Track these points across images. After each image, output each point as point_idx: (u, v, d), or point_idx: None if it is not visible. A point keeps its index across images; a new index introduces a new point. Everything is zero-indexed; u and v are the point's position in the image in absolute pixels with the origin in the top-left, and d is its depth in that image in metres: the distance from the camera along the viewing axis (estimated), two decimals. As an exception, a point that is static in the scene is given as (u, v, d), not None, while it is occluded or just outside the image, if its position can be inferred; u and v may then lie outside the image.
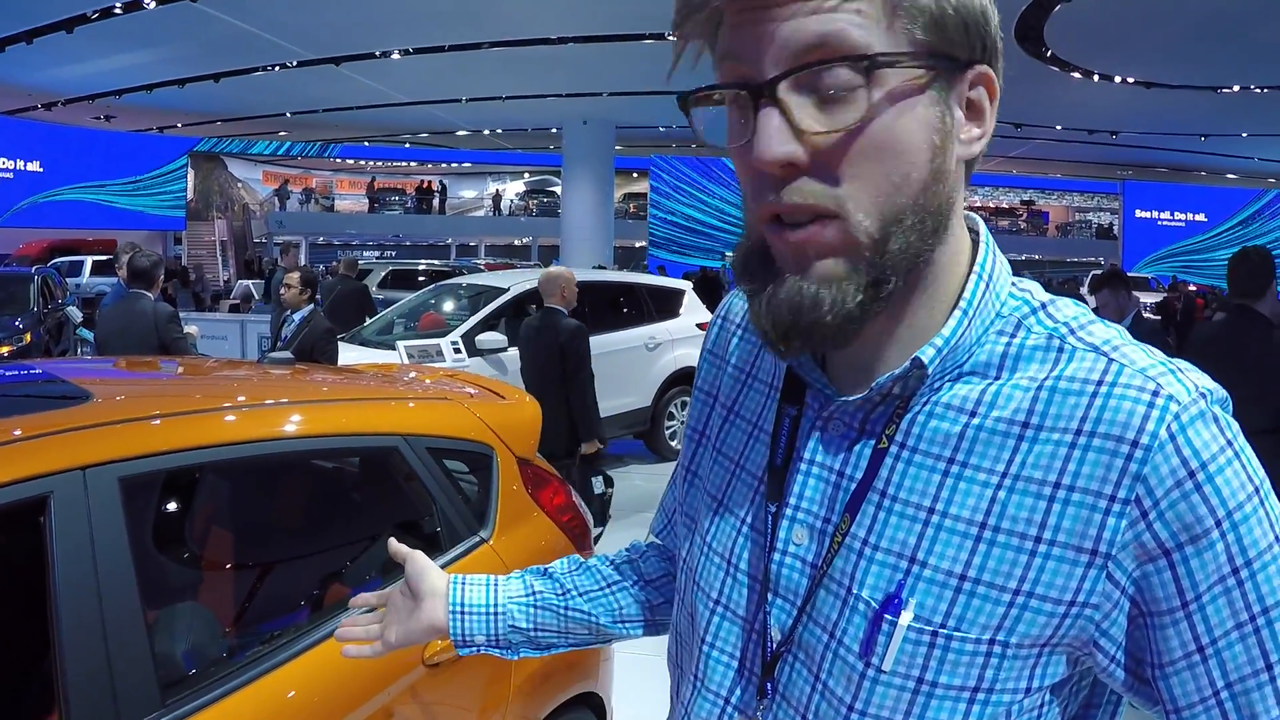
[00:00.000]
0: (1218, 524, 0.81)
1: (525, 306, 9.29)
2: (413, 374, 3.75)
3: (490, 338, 8.05)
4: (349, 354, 7.68)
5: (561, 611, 1.30)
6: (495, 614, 1.29)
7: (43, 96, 23.22)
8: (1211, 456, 0.82)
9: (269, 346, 8.91)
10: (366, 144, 35.69)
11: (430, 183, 37.98)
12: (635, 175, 36.08)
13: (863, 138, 0.81)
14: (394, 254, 37.35)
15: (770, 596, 0.97)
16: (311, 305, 7.22)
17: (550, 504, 2.99)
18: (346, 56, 18.77)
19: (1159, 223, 36.21)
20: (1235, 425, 0.86)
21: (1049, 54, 17.97)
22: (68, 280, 18.36)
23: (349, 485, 3.15)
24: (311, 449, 2.57)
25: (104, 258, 23.08)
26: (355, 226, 38.05)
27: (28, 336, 11.89)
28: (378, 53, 18.44)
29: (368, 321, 9.78)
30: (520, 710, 2.66)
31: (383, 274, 20.84)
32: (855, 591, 0.90)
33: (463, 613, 1.28)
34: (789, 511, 0.96)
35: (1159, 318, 17.91)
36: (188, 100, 22.87)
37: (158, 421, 2.18)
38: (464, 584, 1.31)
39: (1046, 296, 0.96)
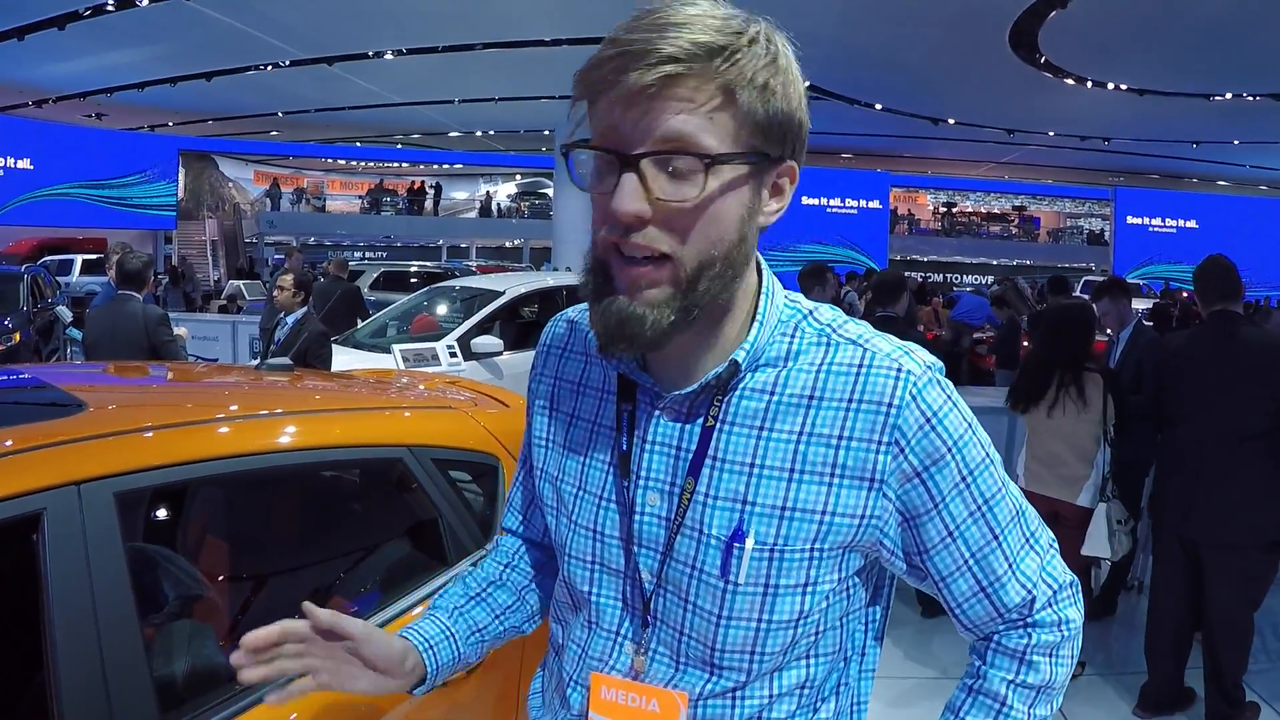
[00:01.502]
0: (948, 450, 1.22)
1: (520, 310, 9.25)
2: (405, 380, 3.68)
3: (486, 341, 7.99)
4: (342, 357, 7.61)
5: (500, 634, 1.53)
6: (452, 636, 1.46)
7: (34, 94, 23.09)
8: (939, 407, 1.21)
9: (260, 348, 8.83)
10: (359, 144, 35.58)
11: (422, 183, 37.88)
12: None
13: (696, 209, 1.12)
14: (384, 255, 37.23)
15: (637, 549, 1.29)
16: (306, 308, 7.13)
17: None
18: (339, 56, 18.71)
19: (1150, 229, 36.24)
20: (951, 385, 1.25)
21: (1043, 60, 17.99)
22: (58, 279, 18.22)
23: (351, 498, 3.07)
24: (313, 461, 2.48)
25: (94, 257, 22.97)
26: (346, 227, 37.92)
27: (17, 336, 11.75)
28: (370, 53, 18.39)
29: (360, 324, 9.70)
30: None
31: (375, 275, 20.72)
32: (706, 532, 1.23)
33: (431, 647, 1.42)
34: (641, 482, 1.28)
35: (1150, 324, 17.83)
36: (179, 99, 22.79)
37: (155, 434, 2.10)
38: (412, 629, 1.44)
39: (809, 305, 1.32)
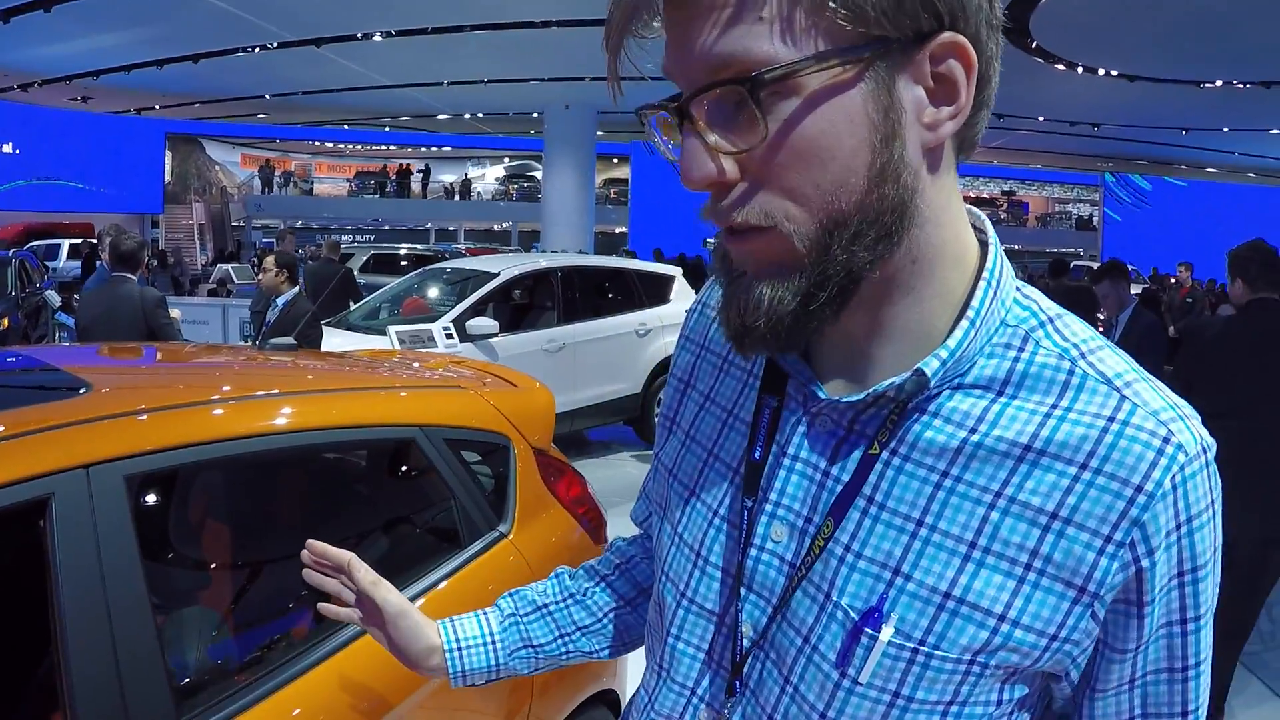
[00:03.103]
0: (1180, 575, 0.85)
1: (513, 293, 9.20)
2: (414, 361, 3.63)
3: (481, 323, 7.93)
4: (334, 339, 7.55)
5: (561, 656, 1.29)
6: (492, 644, 1.26)
7: (19, 77, 22.89)
8: (1199, 512, 0.84)
9: (251, 332, 8.76)
10: (346, 127, 35.41)
11: (409, 166, 37.76)
12: (616, 160, 35.99)
13: (779, 150, 0.78)
14: (372, 238, 37.11)
15: (744, 592, 0.95)
16: (296, 289, 7.09)
17: (566, 496, 2.87)
18: (327, 38, 18.56)
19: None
20: (1219, 483, 0.87)
21: (1034, 45, 17.95)
22: (45, 264, 18.11)
23: (364, 479, 3.02)
24: (327, 441, 2.42)
25: (80, 241, 22.87)
26: (334, 210, 37.81)
27: (5, 321, 11.69)
28: (359, 34, 18.24)
29: (353, 306, 9.65)
30: (541, 712, 2.56)
31: (365, 258, 20.66)
32: (835, 599, 0.89)
33: (459, 649, 1.24)
34: (769, 507, 0.94)
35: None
36: (166, 82, 22.59)
37: (165, 414, 2.04)
38: (452, 621, 1.27)
39: (1055, 309, 0.93)
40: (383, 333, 7.79)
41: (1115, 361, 0.88)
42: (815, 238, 0.80)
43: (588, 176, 24.57)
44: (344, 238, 33.65)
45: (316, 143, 37.69)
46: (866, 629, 0.86)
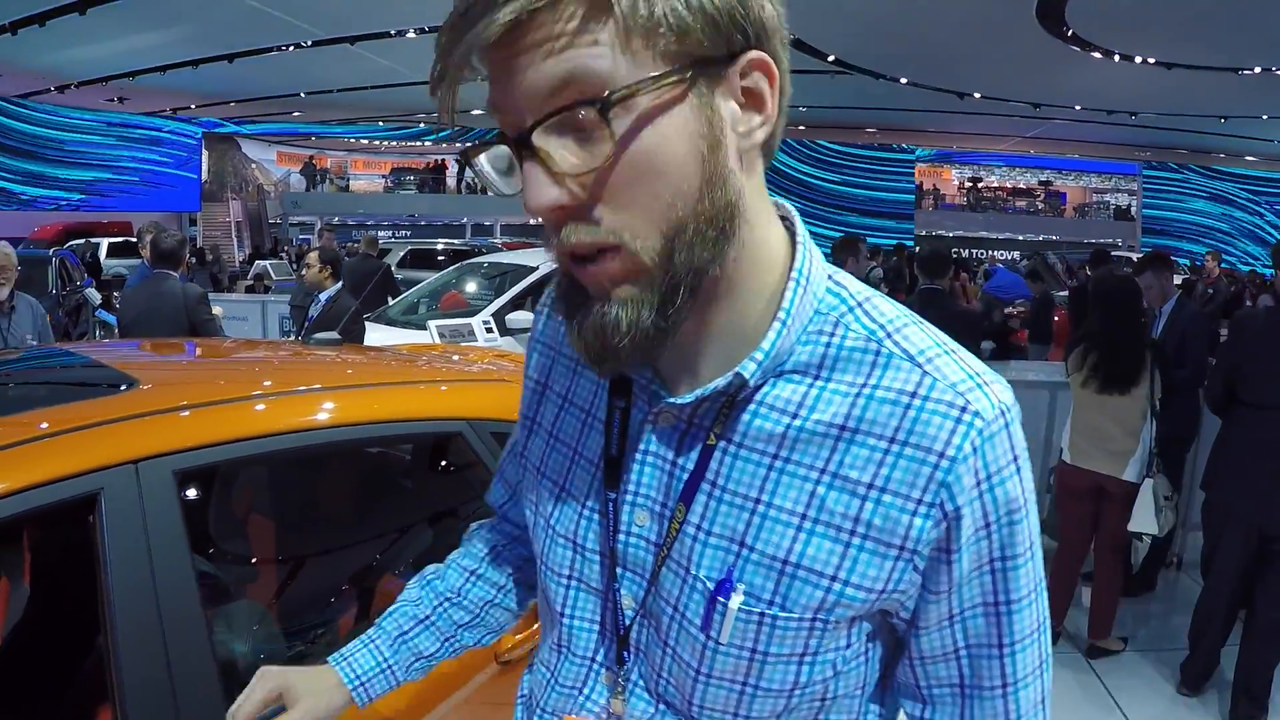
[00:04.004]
0: (987, 525, 0.94)
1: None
2: (455, 354, 3.63)
3: (521, 316, 7.95)
4: (375, 334, 7.59)
5: (450, 654, 1.38)
6: (389, 668, 1.34)
7: (56, 79, 23.11)
8: (999, 469, 0.93)
9: (291, 327, 8.81)
10: (381, 124, 35.52)
11: (444, 161, 37.82)
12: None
13: (621, 169, 0.83)
14: (409, 234, 37.20)
15: (620, 571, 1.05)
16: (338, 284, 7.13)
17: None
18: (360, 36, 18.65)
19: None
20: (1022, 438, 0.96)
21: (1070, 34, 17.78)
22: (86, 261, 18.26)
23: (409, 473, 3.02)
24: (374, 435, 2.42)
25: (120, 240, 23.06)
26: (370, 206, 37.92)
27: (47, 319, 11.78)
28: (392, 31, 18.31)
29: (391, 301, 9.69)
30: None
31: (402, 253, 20.69)
32: (693, 572, 0.99)
33: (362, 684, 1.32)
34: (629, 497, 1.04)
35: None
36: (201, 81, 22.77)
37: (213, 409, 2.05)
38: (345, 658, 1.34)
39: (864, 293, 1.01)
40: (423, 327, 7.82)
41: (919, 338, 0.97)
42: (660, 249, 0.86)
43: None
44: (380, 234, 33.81)
45: (352, 139, 37.82)
46: (720, 597, 0.97)
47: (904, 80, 22.84)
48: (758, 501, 0.96)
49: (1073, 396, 5.00)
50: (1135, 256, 20.23)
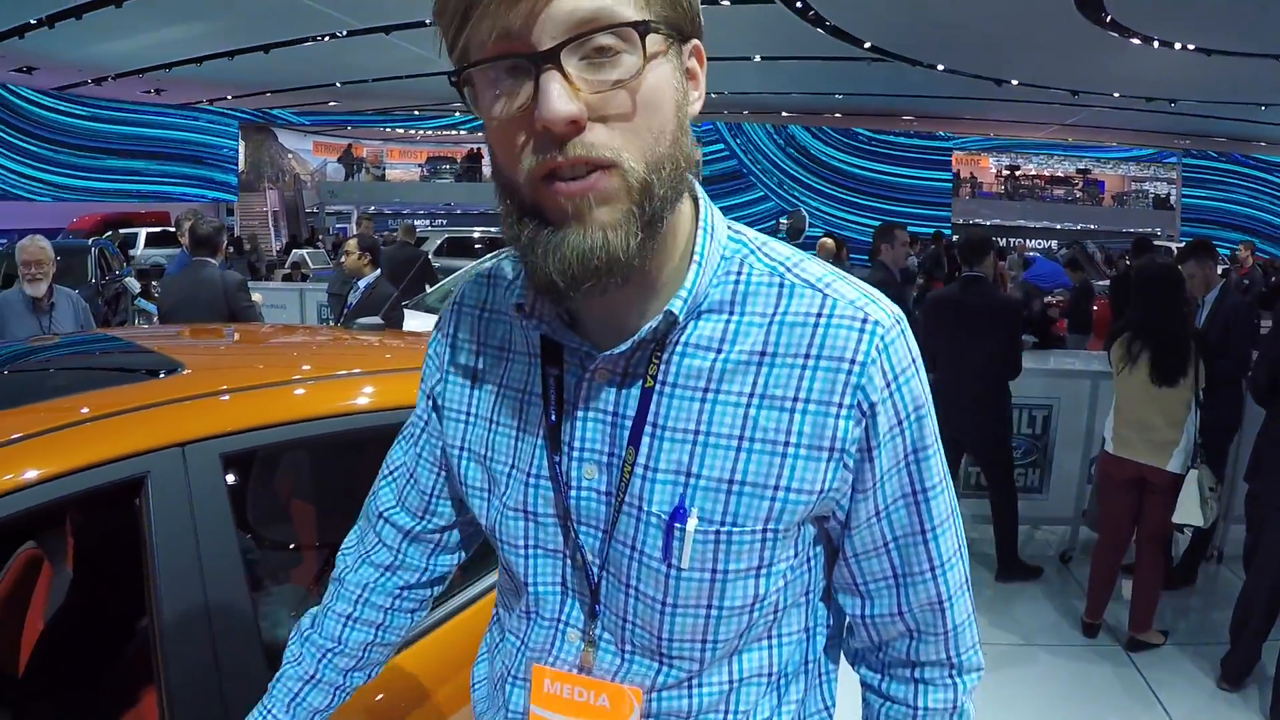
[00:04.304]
0: (900, 422, 1.06)
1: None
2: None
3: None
4: (414, 321, 7.60)
5: (345, 698, 1.42)
6: None
7: (93, 71, 23.24)
8: (903, 369, 1.06)
9: (329, 315, 8.84)
10: (416, 113, 35.60)
11: (480, 150, 37.86)
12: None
13: (630, 93, 0.93)
14: (445, 222, 37.30)
15: (576, 527, 1.12)
16: (376, 271, 7.15)
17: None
18: (396, 25, 18.66)
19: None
20: (915, 346, 1.09)
21: (1109, 20, 17.56)
22: (125, 250, 18.44)
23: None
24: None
25: (158, 229, 23.27)
26: (405, 195, 38.05)
27: (89, 311, 11.91)
28: (427, 20, 18.23)
29: (429, 289, 9.71)
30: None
31: (439, 241, 20.73)
32: (646, 509, 1.07)
33: None
34: (575, 454, 1.11)
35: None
36: (237, 72, 22.85)
37: (260, 392, 2.05)
38: None
39: (759, 239, 1.14)
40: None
41: (815, 268, 1.10)
42: (642, 177, 0.95)
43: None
44: (417, 222, 33.97)
45: (387, 129, 37.93)
46: (677, 524, 1.05)
47: (941, 67, 22.65)
48: (697, 433, 1.05)
49: (1115, 387, 4.95)
50: (1175, 246, 19.99)
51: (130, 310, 12.93)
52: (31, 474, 1.66)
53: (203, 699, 1.73)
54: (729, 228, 1.13)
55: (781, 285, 1.07)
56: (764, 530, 1.06)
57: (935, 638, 1.17)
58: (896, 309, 1.08)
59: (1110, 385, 5.08)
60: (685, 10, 0.99)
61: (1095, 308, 11.11)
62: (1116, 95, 25.16)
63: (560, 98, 0.90)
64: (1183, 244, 10.04)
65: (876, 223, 8.27)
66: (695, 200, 1.11)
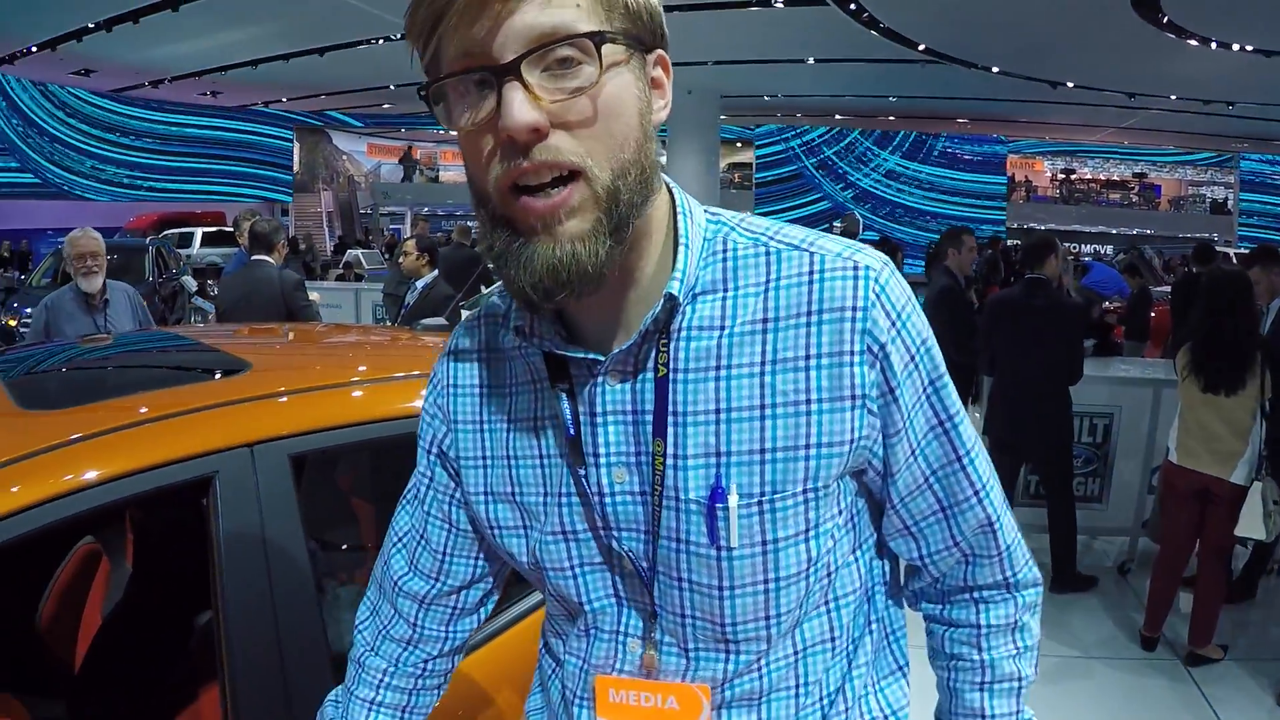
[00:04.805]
0: (912, 357, 1.08)
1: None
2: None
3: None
4: (470, 322, 7.59)
5: None
6: None
7: (150, 74, 23.54)
8: (902, 306, 1.07)
9: (384, 314, 8.89)
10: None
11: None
12: (739, 145, 35.77)
13: (590, 100, 0.95)
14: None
15: (618, 534, 1.11)
16: (434, 272, 7.18)
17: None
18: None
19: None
20: (906, 285, 1.10)
21: (1165, 20, 17.33)
22: (179, 252, 18.70)
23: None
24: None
25: (214, 229, 23.59)
26: (459, 197, 38.24)
27: (146, 306, 12.08)
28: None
29: (484, 290, 9.74)
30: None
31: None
32: (684, 498, 1.07)
33: None
34: (602, 461, 1.10)
35: None
36: (292, 74, 23.07)
37: (329, 392, 2.05)
38: None
39: (736, 215, 1.15)
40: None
41: (795, 232, 1.12)
42: (608, 184, 0.97)
43: (712, 161, 24.39)
44: (471, 223, 34.20)
45: (441, 131, 38.22)
46: (718, 505, 1.05)
47: (995, 69, 22.45)
48: (718, 411, 1.06)
49: (1180, 394, 4.86)
50: (1233, 252, 19.67)
51: (187, 308, 13.10)
52: (101, 472, 1.67)
53: (268, 698, 1.73)
54: (706, 211, 1.15)
55: (768, 254, 1.09)
56: (804, 491, 1.06)
57: (990, 560, 1.20)
58: (881, 255, 1.09)
59: (1172, 394, 4.99)
60: (646, 23, 1.02)
61: (1153, 314, 10.97)
62: (1173, 98, 24.79)
63: (522, 107, 0.93)
64: (1241, 250, 9.85)
65: (932, 226, 8.18)
66: (670, 191, 1.13)
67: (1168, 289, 12.16)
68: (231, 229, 11.28)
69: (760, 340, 1.06)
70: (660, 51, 1.05)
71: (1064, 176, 37.85)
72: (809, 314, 1.05)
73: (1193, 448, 4.74)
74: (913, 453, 1.11)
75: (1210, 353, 4.65)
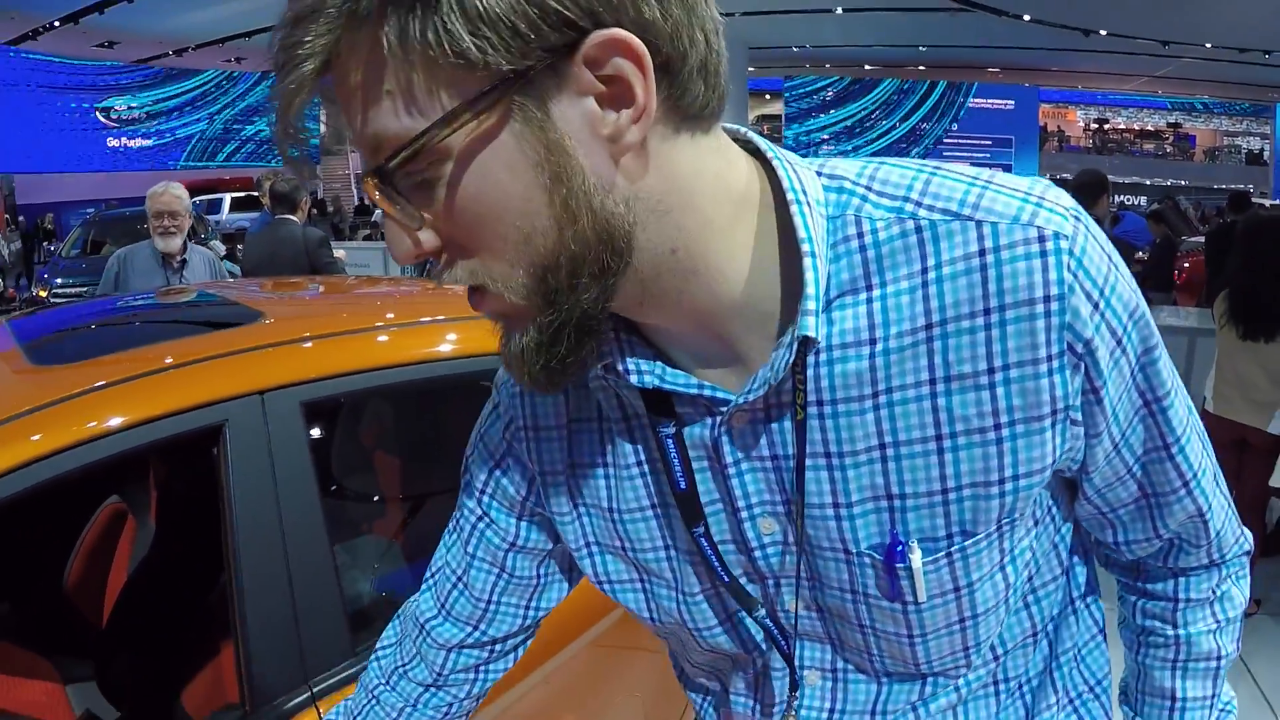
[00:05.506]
0: (1119, 340, 0.83)
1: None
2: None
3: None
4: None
5: None
6: None
7: (174, 43, 23.62)
8: (1103, 276, 0.80)
9: (411, 270, 8.89)
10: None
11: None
12: (768, 96, 35.55)
13: (456, 216, 0.72)
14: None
15: (770, 583, 0.94)
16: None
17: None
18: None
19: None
20: (1099, 231, 0.82)
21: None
22: (208, 218, 18.79)
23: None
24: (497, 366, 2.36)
25: (242, 194, 23.69)
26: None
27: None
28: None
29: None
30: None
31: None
32: (853, 550, 0.88)
33: None
34: (745, 513, 0.90)
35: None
36: (317, 36, 23.09)
37: (339, 339, 2.00)
38: None
39: (864, 173, 0.85)
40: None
41: (948, 187, 0.81)
42: (531, 287, 0.74)
43: (740, 114, 24.26)
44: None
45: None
46: (897, 565, 0.87)
47: (1027, 17, 22.15)
48: (883, 447, 0.84)
49: (1217, 343, 4.78)
50: (1269, 203, 19.40)
51: (216, 273, 13.17)
52: (112, 421, 1.63)
53: (281, 649, 1.71)
54: (820, 174, 0.86)
55: (919, 230, 0.80)
56: (998, 525, 0.87)
57: (1198, 548, 1.02)
58: (1068, 200, 0.81)
59: (1207, 343, 4.91)
60: (517, 39, 0.66)
61: (1187, 264, 10.81)
62: (1208, 46, 24.43)
63: (396, 238, 0.75)
64: (1278, 202, 9.67)
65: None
66: (766, 165, 0.84)
67: (1200, 239, 11.97)
68: (256, 189, 11.27)
69: (927, 353, 0.81)
70: (601, 36, 0.68)
71: (1097, 126, 37.43)
72: (987, 312, 0.79)
73: (1230, 396, 4.66)
74: (1115, 447, 0.89)
75: (1249, 299, 4.56)
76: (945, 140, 32.85)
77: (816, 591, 0.93)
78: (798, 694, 0.99)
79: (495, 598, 1.09)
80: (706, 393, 0.85)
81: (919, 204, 0.81)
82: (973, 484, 0.84)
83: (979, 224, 0.79)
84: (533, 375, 0.79)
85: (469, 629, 1.11)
